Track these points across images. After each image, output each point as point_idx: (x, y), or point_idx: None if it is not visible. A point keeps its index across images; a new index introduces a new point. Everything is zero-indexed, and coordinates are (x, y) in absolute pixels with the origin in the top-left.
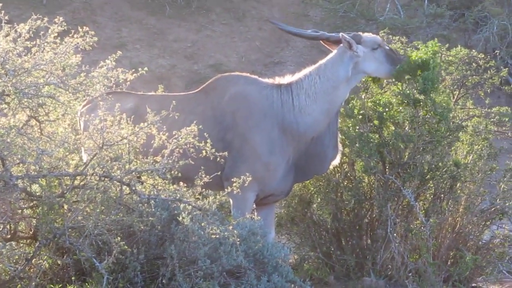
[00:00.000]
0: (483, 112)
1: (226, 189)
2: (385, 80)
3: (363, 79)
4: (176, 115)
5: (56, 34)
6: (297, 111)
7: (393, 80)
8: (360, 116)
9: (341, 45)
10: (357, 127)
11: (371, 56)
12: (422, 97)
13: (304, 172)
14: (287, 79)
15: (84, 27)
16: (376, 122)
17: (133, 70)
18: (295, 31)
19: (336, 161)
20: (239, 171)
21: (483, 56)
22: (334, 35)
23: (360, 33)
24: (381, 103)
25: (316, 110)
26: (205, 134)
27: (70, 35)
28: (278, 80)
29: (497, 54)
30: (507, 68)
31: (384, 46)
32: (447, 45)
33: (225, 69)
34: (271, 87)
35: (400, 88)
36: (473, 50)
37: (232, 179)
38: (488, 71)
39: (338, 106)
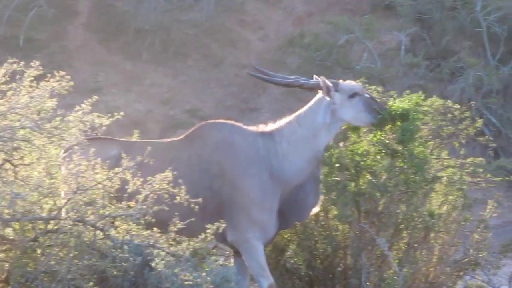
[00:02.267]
0: (457, 162)
1: (230, 242)
2: (364, 129)
3: (343, 127)
4: (152, 161)
5: (32, 78)
6: (281, 158)
7: (374, 128)
8: (337, 165)
9: (320, 92)
10: (334, 176)
11: (348, 104)
12: (400, 147)
13: (286, 220)
14: (270, 126)
15: (60, 71)
16: (352, 171)
17: (109, 114)
18: (269, 79)
19: (316, 209)
20: (238, 220)
21: (458, 106)
22: (308, 82)
23: (341, 80)
24: (359, 152)
25: (298, 158)
26: (188, 181)
27: (46, 79)
28: (262, 127)
29: (473, 104)
30: (482, 119)
31: (364, 94)
32: (422, 96)
33: (201, 114)
34: (255, 135)
35: (378, 138)
36: (449, 101)
37: (234, 231)
38: (463, 122)
39: (321, 153)
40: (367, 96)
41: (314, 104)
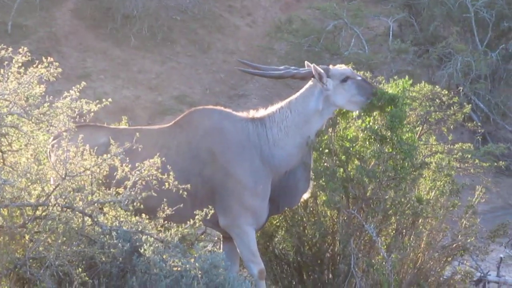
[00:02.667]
0: (446, 148)
1: (222, 227)
2: (353, 115)
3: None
4: (140, 147)
5: (20, 64)
6: (271, 144)
7: (363, 113)
8: (326, 150)
9: (312, 79)
10: (323, 161)
11: (340, 88)
12: (388, 133)
13: (277, 206)
14: (260, 112)
15: (49, 57)
16: (341, 156)
17: (97, 100)
18: (260, 73)
19: (307, 195)
20: (230, 205)
21: (446, 92)
22: (300, 71)
23: (331, 66)
24: (348, 138)
25: (289, 144)
26: (179, 168)
27: (34, 65)
28: (252, 113)
29: (461, 90)
30: (470, 105)
31: (355, 77)
32: (411, 81)
33: (189, 101)
34: (245, 120)
35: (367, 123)
36: (437, 86)
37: (226, 217)
38: (452, 108)
39: (311, 139)
40: (359, 78)
41: (306, 90)
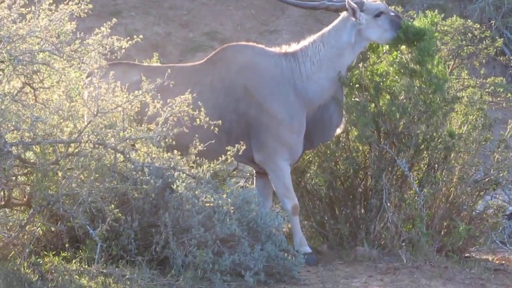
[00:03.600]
0: (478, 82)
1: (257, 162)
2: (384, 49)
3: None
4: (172, 83)
5: (51, 1)
6: (304, 78)
7: (390, 46)
8: (357, 85)
9: (344, 12)
10: (354, 96)
11: (373, 23)
12: (417, 67)
13: (311, 140)
14: (293, 47)
15: None
16: (372, 91)
17: (128, 37)
18: (294, 2)
19: (340, 129)
20: (266, 141)
21: (478, 26)
22: (334, 3)
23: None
24: (378, 72)
25: (322, 78)
26: (212, 104)
27: (65, 2)
28: (285, 48)
29: (493, 24)
30: (502, 39)
31: (389, 12)
32: (442, 15)
33: (220, 37)
34: (278, 56)
35: (394, 57)
36: (469, 20)
37: (262, 152)
38: (483, 41)
39: (344, 73)
40: (392, 14)
41: (339, 23)
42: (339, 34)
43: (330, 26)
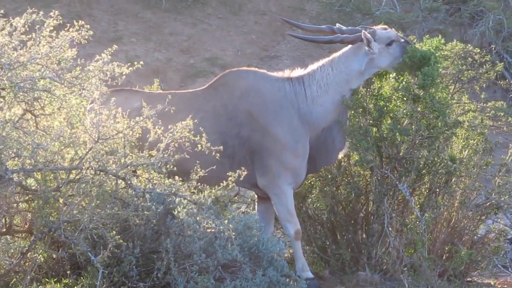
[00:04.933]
0: (478, 106)
1: (260, 187)
2: (390, 76)
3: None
4: (172, 109)
5: (51, 28)
6: (309, 102)
7: (395, 72)
8: (360, 109)
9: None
10: (357, 120)
11: (385, 52)
12: (421, 92)
13: (314, 164)
14: (297, 72)
15: (80, 21)
16: (375, 115)
17: (129, 63)
18: (310, 38)
19: (343, 153)
20: (269, 165)
21: (478, 50)
22: (348, 36)
23: (375, 27)
24: (383, 97)
25: (328, 101)
26: (215, 130)
27: (66, 28)
28: (288, 73)
29: (493, 48)
30: (502, 63)
31: (399, 39)
32: (443, 40)
33: (221, 63)
34: (281, 80)
35: (399, 83)
36: (469, 45)
37: (265, 176)
38: (484, 66)
39: (348, 96)
40: (402, 40)
41: (350, 51)
42: (349, 60)
43: (341, 52)
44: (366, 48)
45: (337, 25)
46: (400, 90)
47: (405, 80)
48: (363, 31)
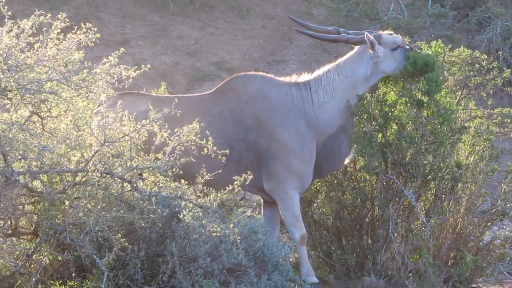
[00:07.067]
0: (485, 113)
1: (266, 191)
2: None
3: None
4: (179, 113)
5: (59, 30)
6: (316, 107)
7: (397, 78)
8: (365, 115)
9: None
10: (362, 126)
11: (390, 56)
12: (425, 98)
13: (320, 169)
14: (304, 77)
15: (87, 24)
16: (380, 120)
17: (136, 66)
18: (316, 35)
19: (349, 158)
20: (276, 170)
21: (486, 57)
22: (354, 37)
23: (380, 32)
24: (388, 103)
25: (334, 107)
26: (222, 134)
27: (73, 31)
28: (295, 78)
29: (500, 55)
30: (510, 69)
31: (404, 45)
32: (450, 46)
33: (228, 66)
34: (289, 85)
35: (400, 88)
36: (476, 51)
37: (272, 181)
38: (491, 72)
39: (353, 102)
40: (408, 47)
41: (356, 55)
42: (355, 65)
43: (346, 57)
44: (371, 51)
45: (343, 29)
46: (404, 95)
47: (406, 85)
48: (366, 32)
